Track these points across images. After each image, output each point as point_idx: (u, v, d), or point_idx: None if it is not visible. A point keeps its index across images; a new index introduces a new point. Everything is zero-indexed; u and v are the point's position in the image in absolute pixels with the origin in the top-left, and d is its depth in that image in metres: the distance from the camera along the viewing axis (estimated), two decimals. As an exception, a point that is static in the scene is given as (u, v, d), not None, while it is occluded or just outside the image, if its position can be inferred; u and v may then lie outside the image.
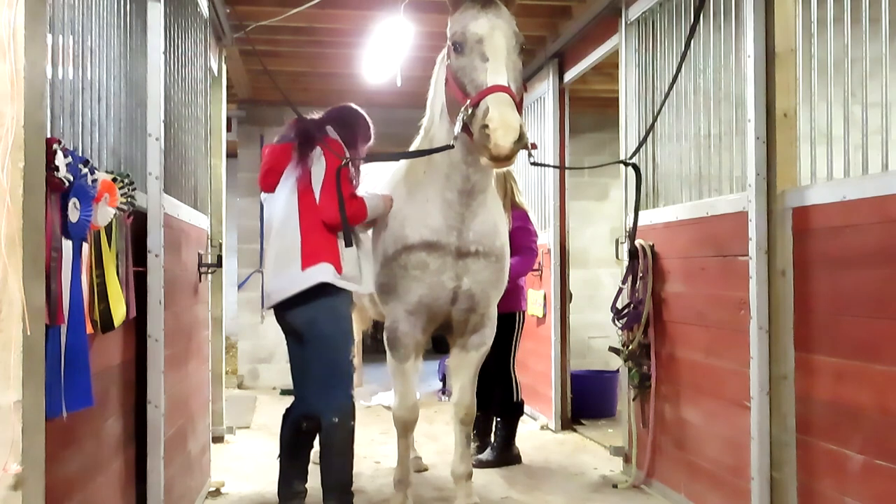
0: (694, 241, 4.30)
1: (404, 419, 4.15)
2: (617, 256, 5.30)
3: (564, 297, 6.64)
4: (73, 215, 2.31)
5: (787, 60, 3.65)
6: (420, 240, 3.87)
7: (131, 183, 2.89)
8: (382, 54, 6.14)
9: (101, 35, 2.94)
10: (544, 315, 6.72)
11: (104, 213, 2.58)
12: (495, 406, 5.49)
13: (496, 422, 5.58)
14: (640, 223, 4.91)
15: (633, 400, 4.93)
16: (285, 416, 4.03)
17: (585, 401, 6.79)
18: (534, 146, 3.39)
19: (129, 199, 2.87)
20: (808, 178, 3.64)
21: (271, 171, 3.90)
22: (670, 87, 4.19)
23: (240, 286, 9.12)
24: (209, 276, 4.93)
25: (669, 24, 4.66)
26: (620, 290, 4.95)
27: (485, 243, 3.92)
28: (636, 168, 4.23)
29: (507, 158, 3.13)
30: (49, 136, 2.15)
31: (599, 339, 8.61)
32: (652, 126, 4.43)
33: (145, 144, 3.46)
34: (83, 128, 2.73)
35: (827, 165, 3.41)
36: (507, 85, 3.20)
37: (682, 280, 4.45)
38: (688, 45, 4.06)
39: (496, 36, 3.31)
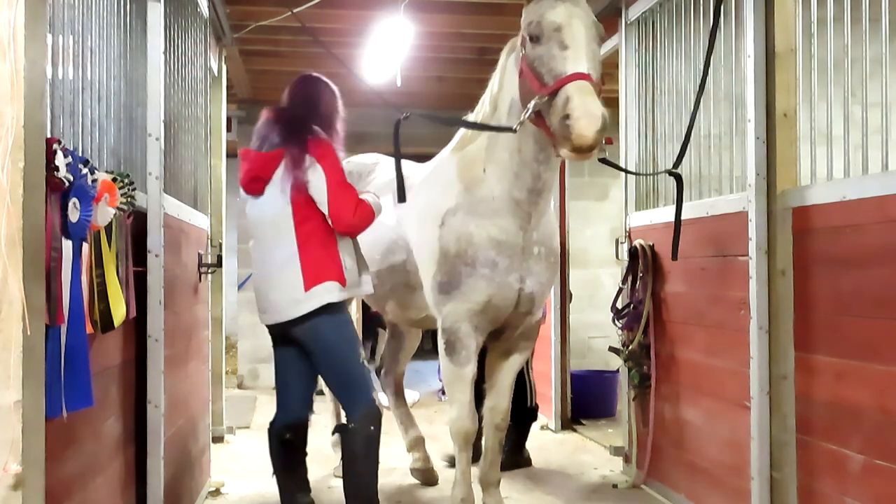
0: (694, 241, 4.29)
1: (466, 430, 3.85)
2: (617, 256, 5.29)
3: (564, 297, 6.63)
4: (73, 215, 2.31)
5: (787, 60, 3.65)
6: (488, 237, 3.67)
7: (131, 183, 2.89)
8: (382, 54, 6.13)
9: (101, 35, 2.94)
10: (544, 315, 6.70)
11: (104, 213, 2.58)
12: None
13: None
14: (639, 223, 4.93)
15: (633, 400, 4.93)
16: (270, 431, 3.78)
17: (585, 401, 6.77)
18: (608, 141, 3.17)
19: (129, 199, 2.87)
20: (808, 178, 3.64)
21: (257, 178, 3.63)
22: (701, 87, 3.89)
23: (240, 286, 9.12)
24: (209, 276, 4.92)
25: (669, 24, 4.66)
26: (620, 290, 4.95)
27: (546, 244, 3.81)
28: (678, 177, 3.94)
29: (591, 149, 2.94)
30: (49, 136, 2.15)
31: (599, 339, 8.59)
32: (690, 128, 4.14)
33: (145, 144, 3.46)
34: (83, 128, 2.73)
35: (827, 165, 3.40)
36: (587, 73, 3.05)
37: (682, 280, 4.45)
38: (711, 45, 3.82)
39: (575, 24, 3.18)
